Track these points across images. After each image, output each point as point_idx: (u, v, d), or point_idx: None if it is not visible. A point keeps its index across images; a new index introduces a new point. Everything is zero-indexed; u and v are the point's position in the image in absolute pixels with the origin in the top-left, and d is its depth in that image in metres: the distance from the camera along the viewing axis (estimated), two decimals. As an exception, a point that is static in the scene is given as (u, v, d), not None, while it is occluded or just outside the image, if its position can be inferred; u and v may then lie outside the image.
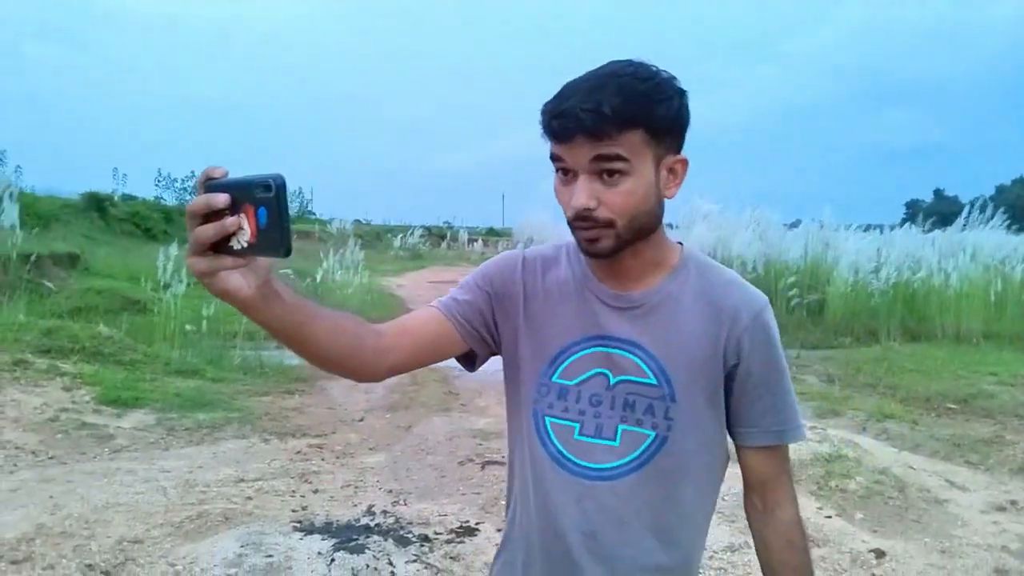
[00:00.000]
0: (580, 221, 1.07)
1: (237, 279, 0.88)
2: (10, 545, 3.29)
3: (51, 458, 4.72)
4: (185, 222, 0.86)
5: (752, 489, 1.23)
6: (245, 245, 0.82)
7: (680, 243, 1.22)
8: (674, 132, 1.08)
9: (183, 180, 41.97)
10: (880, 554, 3.56)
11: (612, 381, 1.15)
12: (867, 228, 14.50)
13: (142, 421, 5.62)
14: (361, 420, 6.19)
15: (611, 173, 1.04)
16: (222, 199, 0.81)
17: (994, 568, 3.47)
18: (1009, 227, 13.75)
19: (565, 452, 1.17)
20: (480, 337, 1.23)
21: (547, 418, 1.19)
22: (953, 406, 6.72)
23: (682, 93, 1.08)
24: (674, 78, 1.08)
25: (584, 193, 1.05)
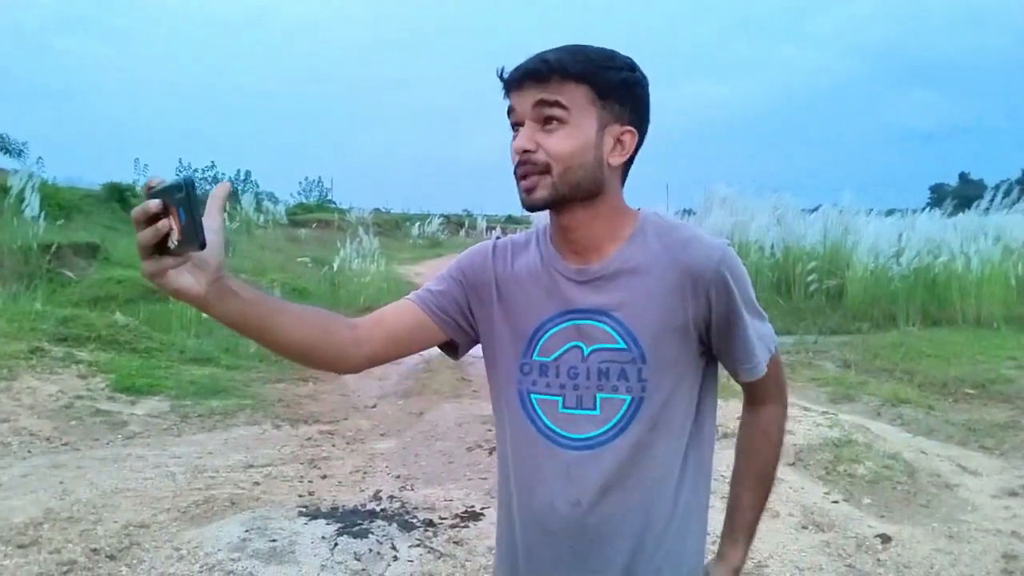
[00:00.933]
0: (521, 167, 1.13)
1: (187, 278, 0.97)
2: (17, 529, 3.34)
3: (64, 444, 4.79)
4: (135, 227, 0.94)
5: (746, 401, 1.33)
6: (176, 243, 0.91)
7: (638, 209, 1.26)
8: (624, 101, 1.15)
9: (204, 170, 42.22)
10: (886, 539, 3.53)
11: (586, 352, 1.19)
12: (890, 212, 14.32)
13: (156, 408, 5.68)
14: (373, 407, 6.23)
15: (550, 120, 1.11)
16: (153, 204, 0.91)
17: (1002, 553, 3.42)
18: (1034, 210, 13.50)
19: (552, 426, 1.21)
20: (458, 325, 1.29)
21: (532, 395, 1.23)
22: (970, 391, 6.63)
23: (640, 74, 1.16)
24: (633, 61, 1.16)
25: (524, 136, 1.12)
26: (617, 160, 1.17)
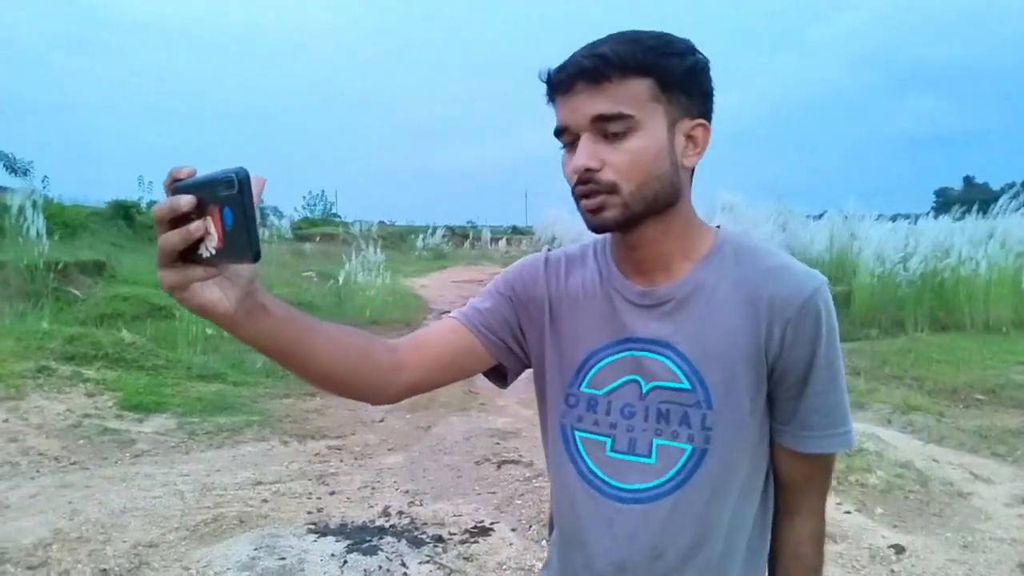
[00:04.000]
0: (582, 186, 0.96)
1: (214, 291, 0.79)
2: (27, 551, 3.33)
3: (73, 464, 4.77)
4: (156, 228, 0.76)
5: (777, 488, 1.10)
6: (213, 252, 0.73)
7: (718, 226, 1.09)
8: (690, 91, 0.98)
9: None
10: (900, 549, 3.50)
11: (644, 389, 1.03)
12: (895, 217, 14.28)
13: (163, 425, 5.67)
14: (381, 421, 6.20)
15: (615, 133, 0.94)
16: (186, 201, 0.73)
17: (1018, 563, 3.39)
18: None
19: (597, 471, 1.05)
20: (507, 348, 1.13)
21: (576, 432, 1.08)
22: (981, 397, 6.59)
23: (703, 57, 0.99)
24: (691, 43, 0.98)
25: (584, 153, 0.95)
26: (692, 160, 1.00)
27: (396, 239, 31.33)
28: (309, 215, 43.12)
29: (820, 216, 14.18)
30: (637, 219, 0.98)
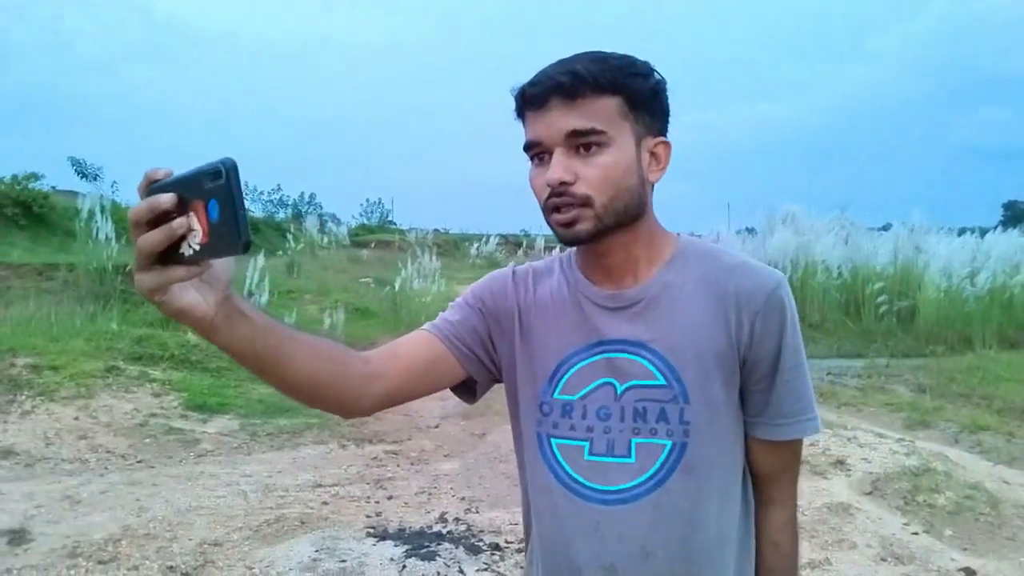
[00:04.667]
0: (555, 199, 0.98)
1: (192, 295, 0.78)
2: (98, 545, 3.44)
3: (139, 462, 4.91)
4: (132, 232, 0.74)
5: (752, 481, 1.13)
6: (198, 248, 0.71)
7: (678, 234, 1.14)
8: (653, 110, 1.02)
9: (270, 192, 43.31)
10: (970, 573, 3.39)
11: (619, 390, 1.04)
12: (962, 231, 13.89)
13: (226, 426, 5.80)
14: (436, 427, 6.25)
15: (588, 146, 0.97)
16: (167, 199, 0.71)
17: (1097, 591, 3.26)
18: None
19: (576, 476, 1.06)
20: (478, 360, 1.14)
21: (552, 440, 1.09)
22: (1053, 417, 6.35)
23: (660, 77, 1.03)
24: (650, 64, 1.03)
25: (559, 167, 0.97)
26: (656, 176, 1.04)
27: (450, 247, 31.53)
28: (366, 222, 43.65)
29: (884, 228, 13.87)
30: (607, 231, 1.01)
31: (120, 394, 5.99)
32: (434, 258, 15.45)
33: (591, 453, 1.06)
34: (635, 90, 0.99)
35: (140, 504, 3.98)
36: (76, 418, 5.45)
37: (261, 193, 43.01)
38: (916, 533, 3.83)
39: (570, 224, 0.99)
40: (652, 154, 1.03)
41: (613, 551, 1.04)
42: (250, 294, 8.61)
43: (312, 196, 45.44)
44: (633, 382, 1.04)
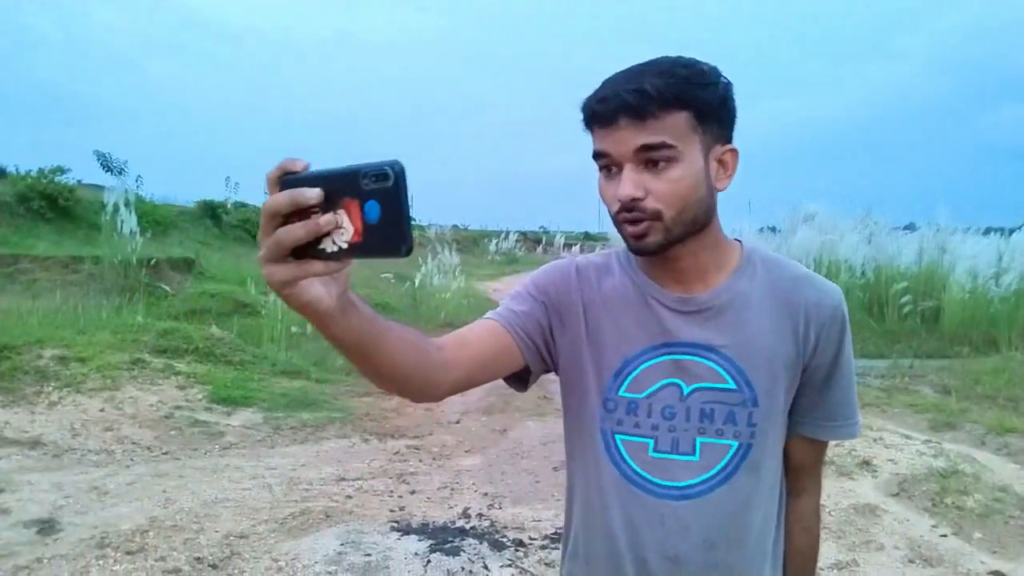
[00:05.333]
0: (626, 213, 1.01)
1: (319, 289, 0.76)
2: (125, 536, 3.47)
3: (165, 454, 4.95)
4: (261, 224, 0.72)
5: (786, 471, 1.18)
6: (345, 246, 0.70)
7: (739, 240, 1.15)
8: (721, 119, 1.03)
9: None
10: (1001, 577, 3.35)
11: (686, 391, 1.08)
12: (987, 231, 13.71)
13: (250, 419, 5.83)
14: (457, 423, 6.25)
15: (657, 162, 0.98)
16: (314, 194, 0.69)
17: None
18: None
19: (641, 471, 1.10)
20: (538, 352, 1.14)
21: (617, 436, 1.11)
22: (1082, 421, 6.26)
23: (727, 82, 1.03)
24: (717, 68, 1.03)
25: (630, 183, 0.99)
26: (724, 184, 1.06)
27: (469, 243, 31.57)
28: (385, 217, 43.83)
29: (908, 228, 13.71)
30: (676, 241, 1.03)
31: (145, 386, 6.04)
32: (453, 254, 15.47)
33: (655, 450, 1.09)
34: (704, 102, 0.99)
35: (167, 496, 4.02)
36: (102, 409, 5.51)
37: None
38: (944, 535, 3.79)
39: (640, 236, 1.02)
40: (720, 162, 1.04)
41: (677, 543, 1.08)
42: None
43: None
44: (701, 384, 1.08)
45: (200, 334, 7.43)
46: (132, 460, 4.77)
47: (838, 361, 1.10)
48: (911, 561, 3.51)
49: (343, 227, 0.69)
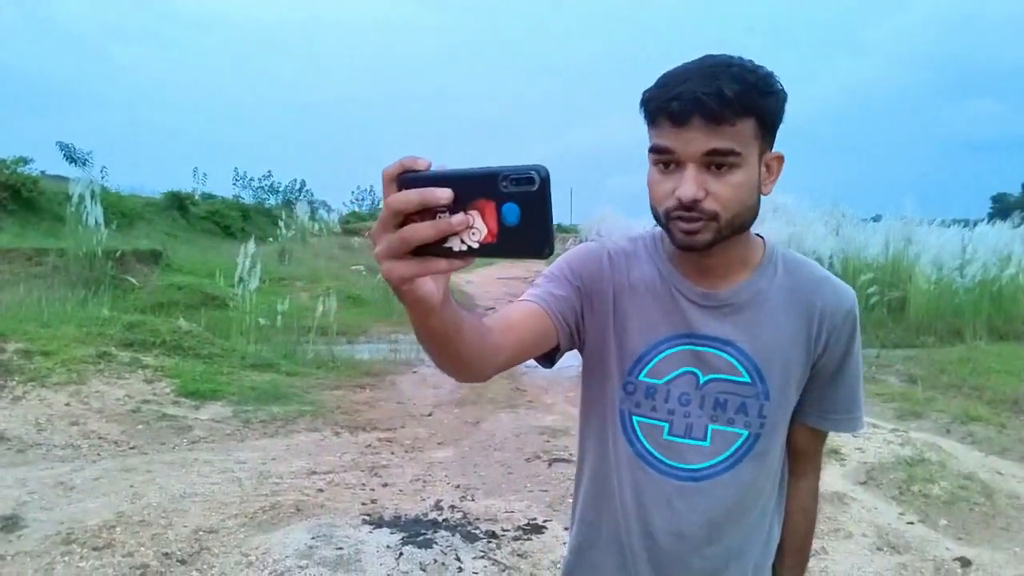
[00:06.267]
0: (684, 211, 1.03)
1: (431, 284, 0.77)
2: (92, 532, 3.41)
3: (132, 448, 4.88)
4: (381, 219, 0.72)
5: (788, 455, 1.25)
6: (475, 246, 0.70)
7: (761, 236, 1.20)
8: (776, 126, 1.07)
9: (260, 179, 43.06)
10: (966, 563, 3.41)
11: (702, 380, 1.14)
12: (951, 223, 13.94)
13: (219, 413, 5.77)
14: (429, 415, 6.23)
15: (721, 165, 1.01)
16: (446, 194, 0.69)
17: (1091, 581, 3.29)
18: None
19: (654, 452, 1.16)
20: (570, 333, 1.17)
21: (635, 417, 1.17)
22: (1044, 409, 6.39)
23: (784, 91, 1.06)
24: (775, 75, 1.06)
25: (694, 183, 1.01)
26: (768, 189, 1.10)
27: (442, 235, 31.47)
28: (357, 210, 43.51)
29: (874, 219, 13.89)
30: (723, 240, 1.07)
31: (112, 380, 5.95)
32: (426, 246, 15.40)
33: (670, 433, 1.15)
34: (768, 111, 1.03)
35: (134, 491, 3.96)
36: (68, 404, 5.42)
37: (251, 179, 42.75)
38: (911, 523, 3.85)
39: (692, 233, 1.04)
40: (767, 167, 1.09)
41: (683, 521, 1.15)
42: (241, 281, 8.56)
43: (303, 183, 45.24)
44: (717, 375, 1.14)
45: (168, 327, 7.33)
46: (99, 455, 4.70)
47: (846, 359, 1.17)
48: (879, 548, 3.56)
49: (475, 227, 0.70)
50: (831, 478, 4.34)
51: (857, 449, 4.77)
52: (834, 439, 4.94)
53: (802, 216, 13.45)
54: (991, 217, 16.59)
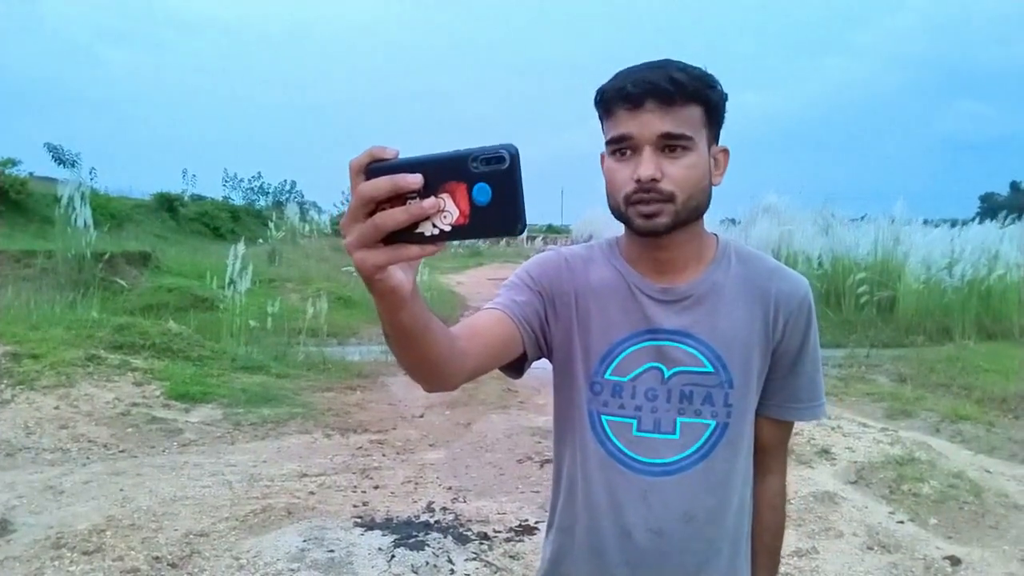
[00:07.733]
0: (642, 193, 1.07)
1: (401, 274, 0.76)
2: (82, 536, 3.39)
3: (122, 451, 4.86)
4: (351, 209, 0.72)
5: (754, 452, 1.26)
6: (448, 228, 0.70)
7: (715, 234, 1.24)
8: (720, 120, 1.13)
9: (249, 180, 42.93)
10: (956, 561, 3.42)
11: (667, 374, 1.16)
12: (939, 223, 14.01)
13: (209, 416, 5.75)
14: (421, 416, 6.23)
15: (675, 148, 1.07)
16: (415, 179, 0.68)
17: (1079, 579, 3.30)
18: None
19: (625, 450, 1.17)
20: (536, 340, 1.19)
21: (603, 416, 1.18)
22: (1032, 407, 6.43)
23: (724, 90, 1.13)
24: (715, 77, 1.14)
25: (651, 164, 1.06)
26: (718, 180, 1.15)
27: (432, 236, 31.43)
28: (347, 210, 43.44)
29: (862, 219, 13.96)
30: (680, 225, 1.10)
31: (101, 383, 5.92)
32: (416, 247, 15.37)
33: (639, 430, 1.17)
34: (713, 101, 1.10)
35: (124, 494, 3.94)
36: (57, 407, 5.39)
37: (241, 180, 42.62)
38: (901, 522, 3.86)
39: (651, 216, 1.08)
40: (715, 159, 1.14)
41: (659, 516, 1.16)
42: (231, 282, 8.53)
43: (293, 184, 45.13)
44: (681, 368, 1.16)
45: (157, 329, 7.30)
46: (88, 458, 4.68)
47: (804, 347, 1.19)
48: (869, 548, 3.57)
49: (446, 210, 0.70)
50: (821, 477, 4.36)
51: (847, 448, 4.79)
52: (825, 439, 4.96)
53: (792, 216, 13.50)
54: (979, 217, 16.67)
